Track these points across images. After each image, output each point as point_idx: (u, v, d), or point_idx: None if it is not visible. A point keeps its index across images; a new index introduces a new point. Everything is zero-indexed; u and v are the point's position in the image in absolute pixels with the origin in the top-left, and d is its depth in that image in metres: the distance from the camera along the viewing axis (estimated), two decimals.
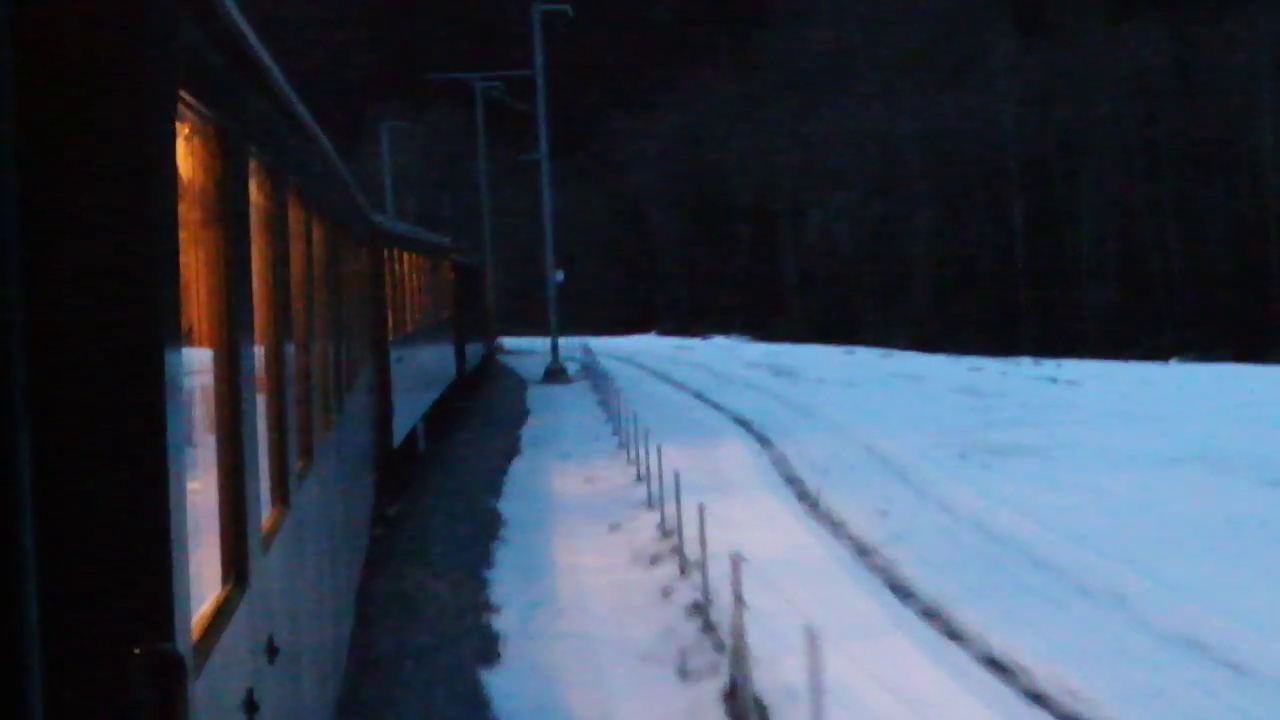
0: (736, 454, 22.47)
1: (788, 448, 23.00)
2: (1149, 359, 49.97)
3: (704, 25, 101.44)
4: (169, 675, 2.44)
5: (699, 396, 33.53)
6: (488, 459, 23.42)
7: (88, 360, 2.49)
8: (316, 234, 8.34)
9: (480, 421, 29.70)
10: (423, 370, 23.15)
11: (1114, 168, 64.21)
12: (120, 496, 2.51)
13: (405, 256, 22.02)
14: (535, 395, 36.47)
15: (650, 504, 16.82)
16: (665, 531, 14.95)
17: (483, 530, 16.70)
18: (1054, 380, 35.24)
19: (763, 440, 24.31)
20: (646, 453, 18.15)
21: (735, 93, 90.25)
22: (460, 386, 32.03)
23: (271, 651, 4.41)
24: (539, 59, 41.78)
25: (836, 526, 16.10)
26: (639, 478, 19.05)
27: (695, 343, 64.15)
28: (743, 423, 27.04)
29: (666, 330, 78.89)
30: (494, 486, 20.33)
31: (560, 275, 44.79)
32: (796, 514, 16.93)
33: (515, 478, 21.37)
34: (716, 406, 30.64)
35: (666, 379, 40.05)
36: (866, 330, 71.74)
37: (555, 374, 42.43)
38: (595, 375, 41.52)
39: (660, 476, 16.02)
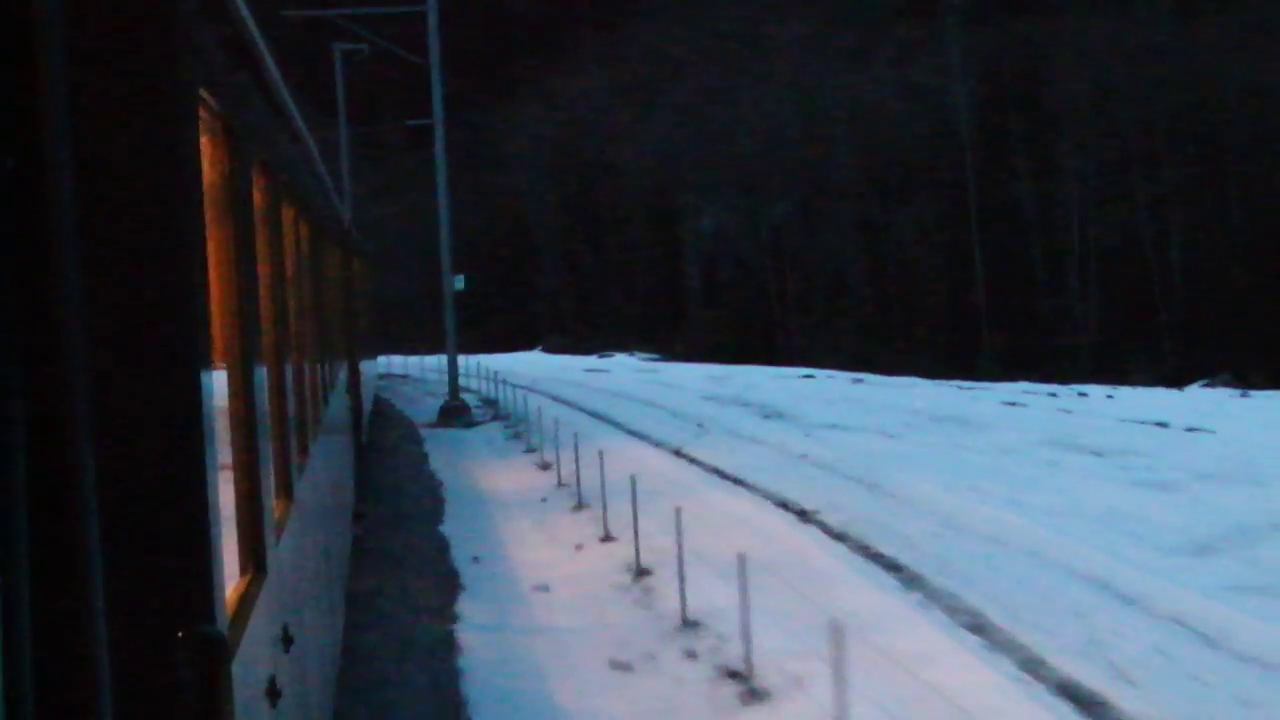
0: (882, 613, 12.04)
1: (975, 600, 12.68)
2: (1167, 383, 41.16)
3: (567, 16, 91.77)
4: (213, 656, 2.50)
5: (683, 456, 23.08)
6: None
7: (129, 363, 2.58)
8: (305, 235, 8.43)
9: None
10: (368, 371, 22.65)
11: (1095, 154, 54.80)
12: (167, 493, 2.63)
13: (359, 260, 22.08)
14: (439, 455, 25.42)
15: None
16: None
17: None
18: (1163, 425, 25.66)
19: (907, 577, 13.96)
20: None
21: (615, 81, 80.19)
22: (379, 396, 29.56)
23: (287, 640, 4.45)
24: None
25: None
26: None
27: (600, 363, 53.68)
28: (817, 523, 16.67)
29: (553, 347, 68.23)
30: None
31: (461, 281, 34.18)
32: None
33: None
34: (731, 479, 20.19)
35: (608, 420, 29.45)
36: (787, 348, 62.01)
37: (454, 412, 31.51)
38: (507, 414, 30.83)
39: None
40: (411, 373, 50.69)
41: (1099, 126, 52.45)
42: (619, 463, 19.28)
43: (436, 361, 50.44)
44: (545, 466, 22.46)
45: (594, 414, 30.97)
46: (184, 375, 2.67)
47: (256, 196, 4.74)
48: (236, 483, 3.85)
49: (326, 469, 9.19)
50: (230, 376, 3.86)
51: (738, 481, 19.88)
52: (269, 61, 4.84)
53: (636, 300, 71.52)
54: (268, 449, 4.41)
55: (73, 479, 1.53)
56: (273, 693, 3.82)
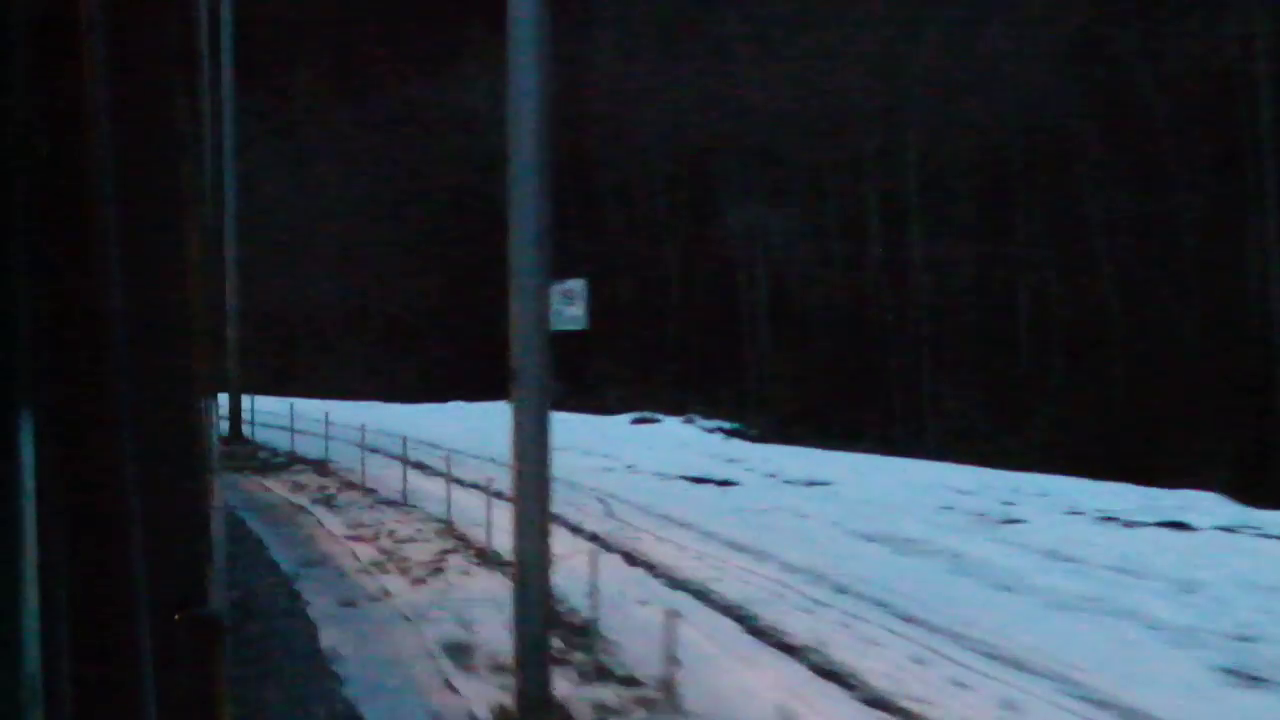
0: None
1: None
2: None
3: None
4: (211, 636, 2.58)
5: None
6: None
7: (148, 367, 2.61)
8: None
9: None
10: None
11: None
12: (175, 487, 2.70)
13: None
14: None
15: None
16: None
17: None
18: None
19: None
20: None
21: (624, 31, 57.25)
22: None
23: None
24: None
25: None
26: None
27: (681, 452, 30.38)
28: None
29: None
30: None
31: (580, 308, 10.69)
32: None
33: None
34: None
35: None
36: (905, 413, 39.78)
37: None
38: None
39: None
40: (309, 448, 27.01)
41: None
42: None
43: (352, 418, 26.65)
44: None
45: None
46: (191, 380, 2.78)
47: None
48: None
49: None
50: None
51: None
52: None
53: (658, 330, 48.57)
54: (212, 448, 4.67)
55: (112, 465, 1.51)
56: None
